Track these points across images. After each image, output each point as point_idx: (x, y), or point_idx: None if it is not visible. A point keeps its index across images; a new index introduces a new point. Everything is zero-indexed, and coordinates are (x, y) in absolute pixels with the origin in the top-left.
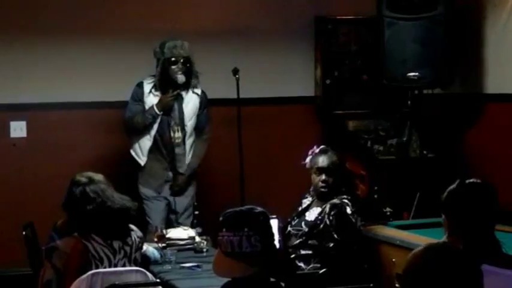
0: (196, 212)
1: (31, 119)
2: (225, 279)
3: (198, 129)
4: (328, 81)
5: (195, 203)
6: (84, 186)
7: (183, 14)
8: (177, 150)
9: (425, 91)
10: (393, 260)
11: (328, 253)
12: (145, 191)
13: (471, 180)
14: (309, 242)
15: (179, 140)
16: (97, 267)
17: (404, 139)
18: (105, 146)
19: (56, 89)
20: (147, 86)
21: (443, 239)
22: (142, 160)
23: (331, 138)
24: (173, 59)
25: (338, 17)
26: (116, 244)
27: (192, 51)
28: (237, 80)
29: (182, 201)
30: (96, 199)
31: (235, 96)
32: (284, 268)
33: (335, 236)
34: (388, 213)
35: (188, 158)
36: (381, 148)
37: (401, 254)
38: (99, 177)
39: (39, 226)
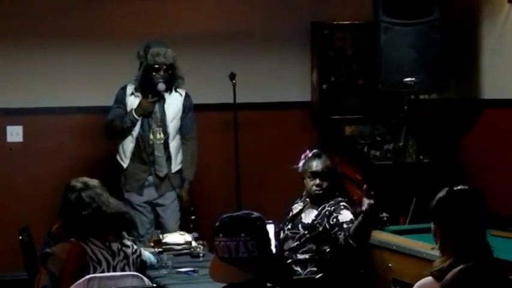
0: (193, 217)
1: (27, 124)
2: (222, 285)
3: (182, 133)
4: (324, 86)
5: (192, 208)
6: (79, 191)
7: (179, 19)
8: (157, 152)
9: (421, 96)
10: (390, 265)
11: (325, 257)
12: (128, 195)
13: (459, 187)
14: (306, 245)
15: (160, 142)
16: (95, 270)
17: (401, 144)
18: (101, 151)
19: (53, 94)
20: (130, 88)
21: (436, 247)
22: (125, 163)
23: (328, 143)
24: (156, 66)
25: (334, 22)
26: (115, 246)
27: (176, 57)
28: (234, 85)
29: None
30: (91, 204)
31: (231, 101)
32: (280, 273)
33: (351, 242)
34: (385, 218)
35: (174, 163)
36: (377, 153)
37: (397, 259)
38: (94, 182)
39: (35, 231)
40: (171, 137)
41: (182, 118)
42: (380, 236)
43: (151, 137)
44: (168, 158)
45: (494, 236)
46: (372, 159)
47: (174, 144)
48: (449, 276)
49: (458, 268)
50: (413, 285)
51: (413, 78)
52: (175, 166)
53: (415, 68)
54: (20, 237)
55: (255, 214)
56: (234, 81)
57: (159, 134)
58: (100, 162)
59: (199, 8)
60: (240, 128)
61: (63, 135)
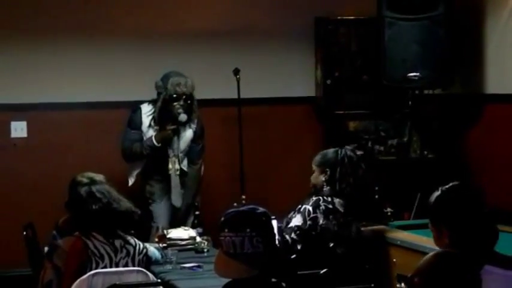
0: (197, 212)
1: (32, 119)
2: (226, 280)
3: (189, 158)
4: (328, 82)
5: (196, 203)
6: (89, 186)
7: (184, 15)
8: (173, 184)
9: (425, 91)
10: (394, 260)
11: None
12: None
13: (455, 183)
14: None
15: (177, 173)
16: (97, 265)
17: (405, 139)
18: (105, 146)
19: (57, 90)
20: (146, 117)
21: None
22: (130, 180)
23: (332, 139)
24: (175, 95)
25: (338, 18)
26: (118, 243)
27: (194, 87)
28: (238, 80)
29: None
30: (102, 199)
31: (236, 96)
32: (285, 269)
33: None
34: (389, 214)
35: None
36: (382, 148)
37: (402, 255)
38: (100, 177)
39: (40, 226)
40: (184, 166)
41: (192, 147)
42: (384, 231)
43: (169, 166)
44: (179, 187)
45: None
46: (376, 155)
47: (183, 166)
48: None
49: (433, 252)
50: None
51: (418, 74)
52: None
53: (419, 63)
54: (24, 233)
55: (261, 209)
56: (238, 76)
57: (175, 164)
58: (104, 158)
59: (203, 3)
60: (244, 123)
61: (67, 131)
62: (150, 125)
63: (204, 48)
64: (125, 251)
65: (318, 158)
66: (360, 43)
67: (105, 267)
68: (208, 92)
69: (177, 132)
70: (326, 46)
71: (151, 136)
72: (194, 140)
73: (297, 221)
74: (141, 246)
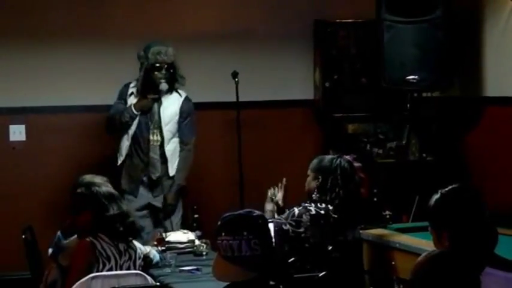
0: (196, 216)
1: (30, 123)
2: (225, 283)
3: (180, 138)
4: (327, 84)
5: (195, 207)
6: (106, 187)
7: (182, 18)
8: (152, 154)
9: (424, 94)
10: (392, 263)
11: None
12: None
13: (454, 186)
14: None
15: (156, 144)
16: (104, 265)
17: (404, 142)
18: (104, 150)
19: (55, 93)
20: (132, 87)
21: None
22: (119, 159)
23: (331, 142)
24: (157, 64)
25: (337, 20)
26: (121, 246)
27: (176, 56)
28: (236, 83)
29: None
30: (119, 203)
31: (234, 99)
32: (283, 272)
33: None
34: (388, 216)
35: (171, 167)
36: (380, 151)
37: (400, 257)
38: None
39: (39, 230)
40: (166, 140)
41: (179, 123)
42: (383, 234)
43: (150, 137)
44: (164, 161)
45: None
46: (375, 157)
47: (170, 147)
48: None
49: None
50: None
51: (416, 76)
52: (172, 170)
53: (417, 66)
54: (23, 236)
55: (257, 212)
56: (236, 79)
57: (156, 135)
58: (103, 161)
59: (201, 6)
60: (242, 127)
61: (66, 134)
62: (132, 94)
63: (203, 51)
64: (127, 254)
65: (314, 162)
66: (358, 46)
67: (111, 268)
68: (207, 95)
69: (158, 101)
70: (325, 49)
71: (131, 104)
72: (180, 115)
73: (272, 212)
74: (140, 251)
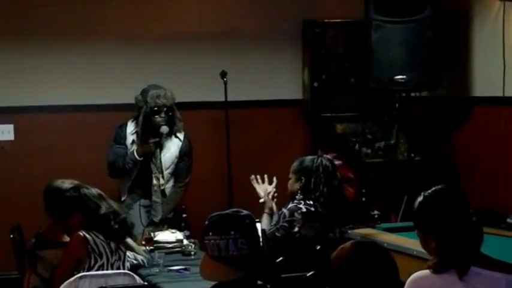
0: (184, 215)
1: (18, 122)
2: (212, 283)
3: (175, 177)
4: (316, 84)
5: (183, 206)
6: (93, 189)
7: (171, 17)
8: (154, 197)
9: (412, 94)
10: None
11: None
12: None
13: (437, 187)
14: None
15: (158, 188)
16: (96, 262)
17: (392, 142)
18: (92, 149)
19: (44, 92)
20: (130, 135)
21: (432, 260)
22: (123, 196)
23: (319, 141)
24: (156, 108)
25: (326, 20)
26: (113, 245)
27: (174, 98)
28: (225, 83)
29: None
30: (109, 202)
31: (223, 99)
32: (271, 271)
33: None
34: (376, 216)
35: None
36: (369, 151)
37: None
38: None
39: (27, 229)
40: (165, 181)
41: (177, 163)
42: (371, 233)
43: (154, 182)
44: (160, 203)
45: (486, 234)
46: (364, 157)
47: (168, 186)
48: None
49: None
50: (404, 282)
51: (405, 76)
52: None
53: (406, 66)
54: (12, 236)
55: (244, 212)
56: (225, 79)
57: (159, 179)
58: (92, 161)
59: (190, 6)
60: (231, 126)
61: (54, 134)
62: (133, 142)
63: (191, 50)
64: (117, 254)
65: (295, 165)
66: (347, 46)
67: (102, 265)
68: (195, 94)
69: (159, 146)
70: (313, 49)
71: (133, 150)
72: (180, 157)
73: (272, 222)
74: (129, 258)
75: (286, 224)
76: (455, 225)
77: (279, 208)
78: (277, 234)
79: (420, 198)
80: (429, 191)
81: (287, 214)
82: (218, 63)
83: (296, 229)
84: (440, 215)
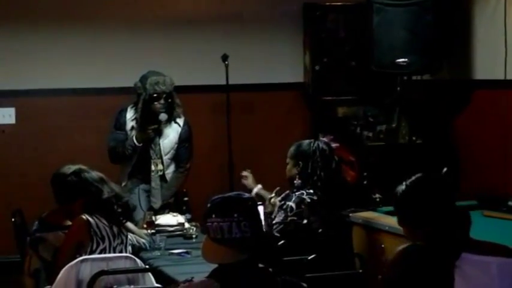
0: (186, 199)
1: (20, 106)
2: (215, 265)
3: (176, 162)
4: (317, 68)
5: (184, 190)
6: (94, 172)
7: (172, 1)
8: (153, 184)
9: (414, 77)
10: (382, 245)
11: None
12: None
13: (418, 176)
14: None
15: (158, 174)
16: (98, 245)
17: (394, 125)
18: (93, 132)
19: (45, 76)
20: (130, 121)
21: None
22: (123, 181)
23: (320, 125)
24: (155, 95)
25: (327, 4)
26: (115, 229)
27: (173, 84)
28: (226, 66)
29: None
30: (112, 186)
31: (224, 82)
32: (272, 254)
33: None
34: (378, 199)
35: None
36: (370, 134)
37: (390, 240)
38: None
39: (28, 213)
40: (165, 167)
41: (177, 149)
42: (373, 217)
43: (152, 167)
44: (159, 189)
45: (486, 217)
46: (365, 140)
47: (169, 171)
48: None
49: (401, 247)
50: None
51: (406, 59)
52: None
53: (407, 49)
54: (13, 220)
55: (247, 195)
56: (226, 62)
57: (158, 165)
58: (93, 144)
59: None
60: (232, 110)
61: (55, 117)
62: (133, 128)
63: (193, 34)
64: (120, 238)
65: (291, 149)
66: (348, 29)
67: (104, 249)
68: (197, 78)
69: (158, 132)
70: (314, 32)
71: (133, 136)
72: (179, 143)
73: (278, 218)
74: (130, 241)
75: (295, 217)
76: (439, 213)
77: (282, 198)
78: (288, 229)
79: (402, 187)
80: (410, 180)
81: (294, 207)
82: (219, 47)
83: (305, 221)
84: (425, 204)
